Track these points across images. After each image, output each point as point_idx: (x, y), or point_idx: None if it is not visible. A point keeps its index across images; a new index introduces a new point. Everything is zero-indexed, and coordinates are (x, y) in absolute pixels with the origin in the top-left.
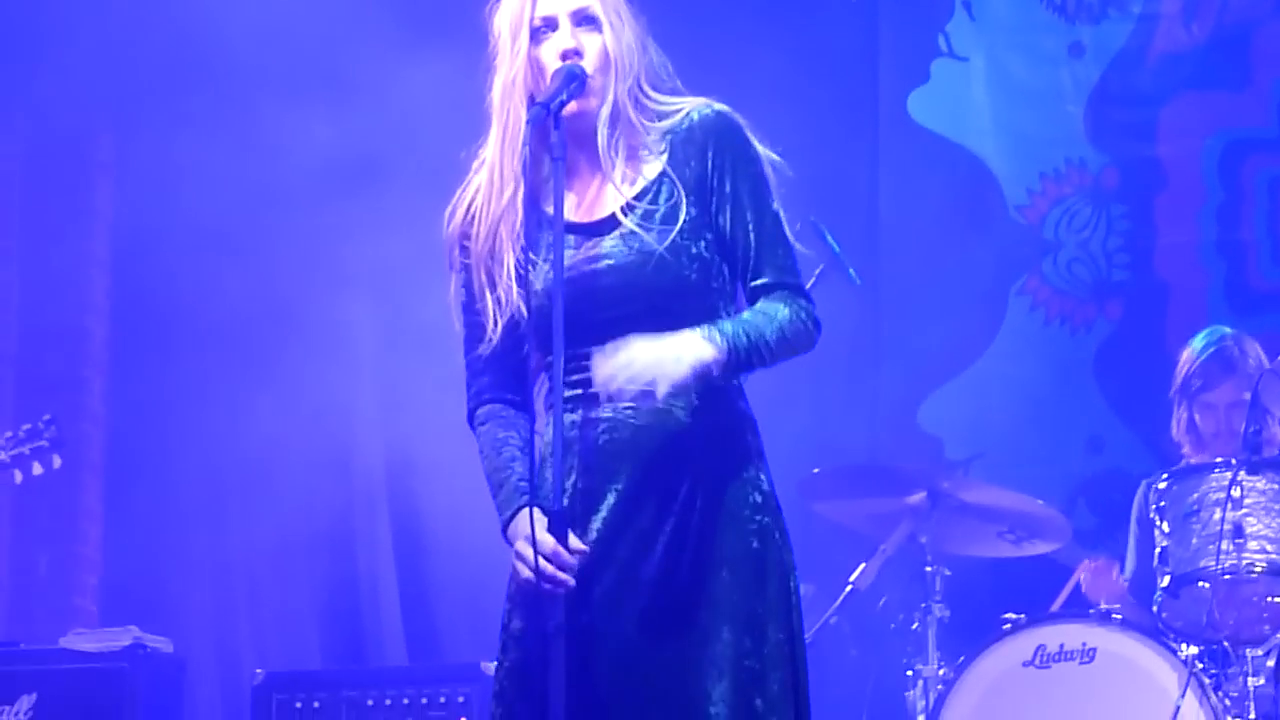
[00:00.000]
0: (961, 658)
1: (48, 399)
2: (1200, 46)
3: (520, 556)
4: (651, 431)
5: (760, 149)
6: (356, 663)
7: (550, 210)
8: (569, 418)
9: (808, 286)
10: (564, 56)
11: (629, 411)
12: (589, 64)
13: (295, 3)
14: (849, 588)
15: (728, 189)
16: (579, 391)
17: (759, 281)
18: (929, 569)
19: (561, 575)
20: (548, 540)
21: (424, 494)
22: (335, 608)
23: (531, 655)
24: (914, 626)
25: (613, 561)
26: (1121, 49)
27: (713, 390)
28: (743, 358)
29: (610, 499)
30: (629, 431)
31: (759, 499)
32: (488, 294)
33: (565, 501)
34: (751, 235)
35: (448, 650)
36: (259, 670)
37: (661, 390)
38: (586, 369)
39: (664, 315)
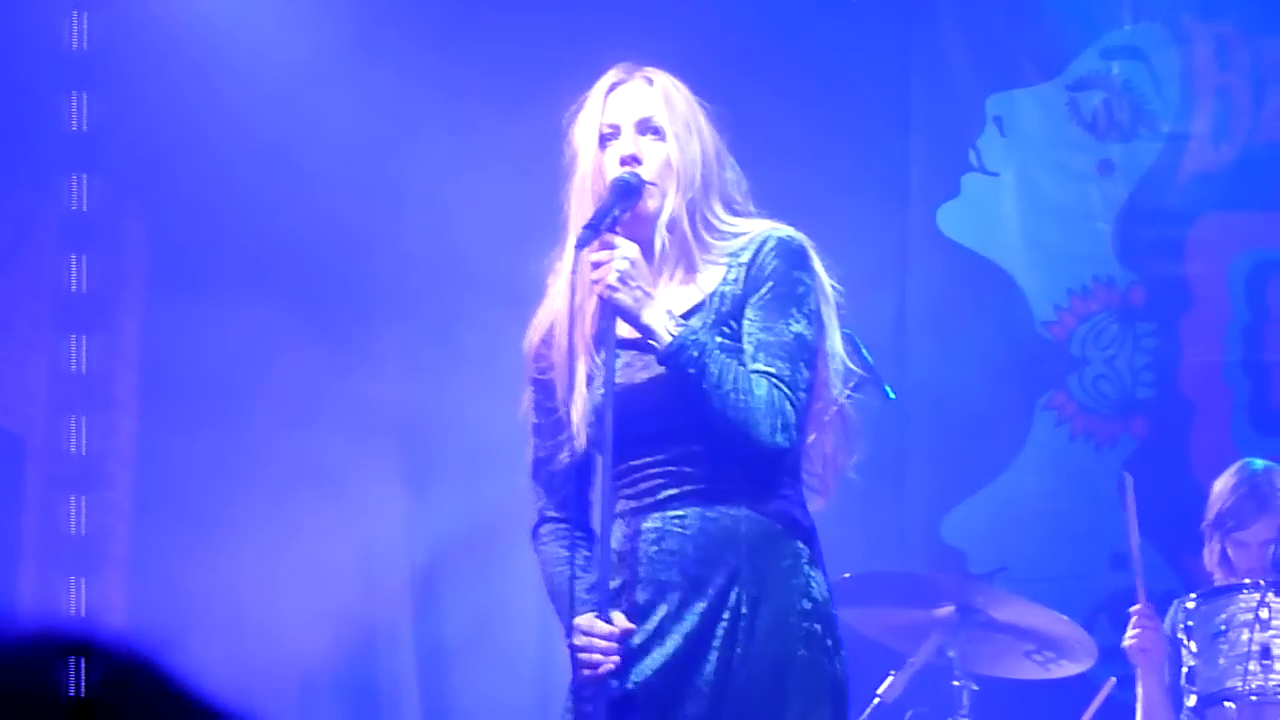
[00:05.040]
0: None
1: (73, 493)
2: (1229, 166)
3: (571, 649)
4: (699, 540)
5: (814, 275)
6: None
7: (601, 323)
8: (621, 528)
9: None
10: (623, 163)
11: (677, 521)
12: (648, 172)
13: (325, 105)
14: (876, 700)
15: (754, 299)
16: (631, 504)
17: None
18: (956, 683)
19: (597, 656)
20: (585, 623)
21: (449, 605)
22: (355, 705)
23: None
24: None
25: (664, 671)
26: (1151, 167)
27: (764, 497)
28: (681, 369)
29: (662, 609)
30: (677, 541)
31: (808, 605)
32: (562, 408)
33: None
34: (753, 341)
35: None
36: None
37: (609, 295)
38: (637, 481)
39: (710, 429)
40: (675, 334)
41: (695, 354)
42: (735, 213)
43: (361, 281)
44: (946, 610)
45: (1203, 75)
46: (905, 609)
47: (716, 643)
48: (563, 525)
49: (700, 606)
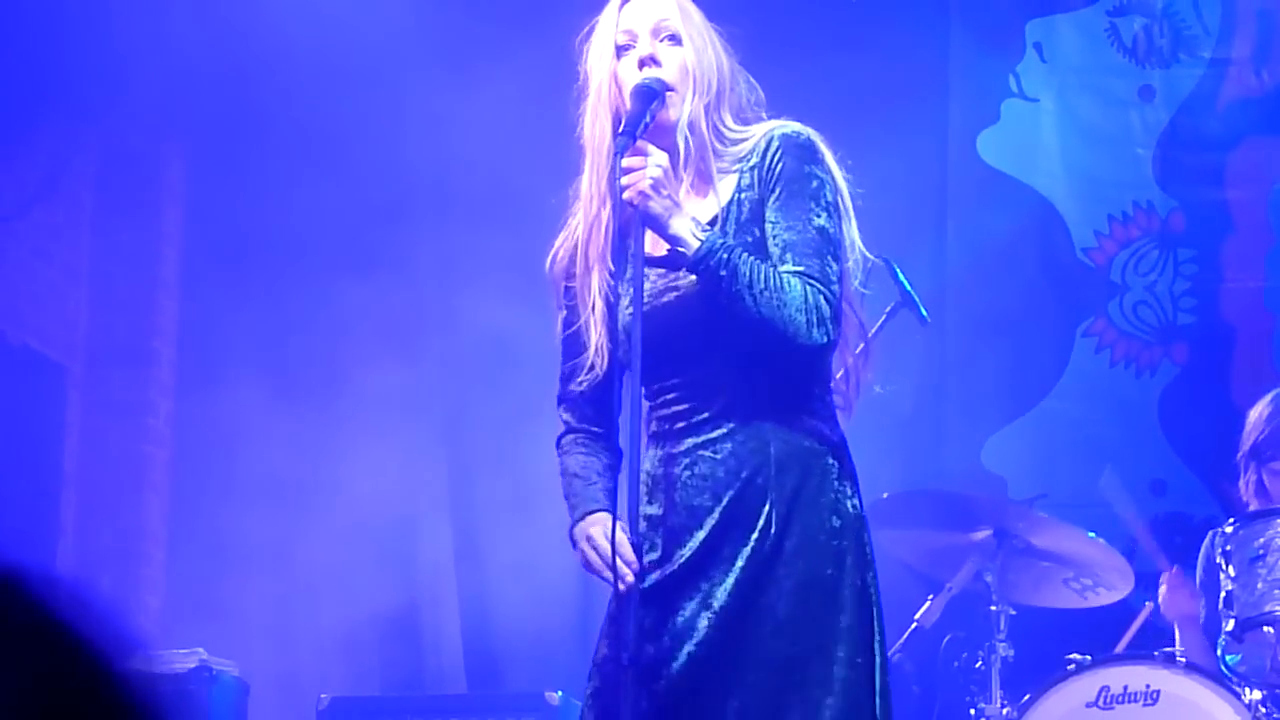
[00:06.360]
0: (1025, 697)
1: (114, 420)
2: (1270, 92)
3: (587, 546)
4: (730, 464)
5: (826, 167)
6: (415, 689)
7: (631, 242)
8: (654, 453)
9: (873, 329)
10: (641, 64)
11: (709, 445)
12: (667, 76)
13: (367, 32)
14: (913, 625)
15: (771, 201)
16: (663, 427)
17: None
18: (994, 608)
19: (623, 569)
20: (620, 541)
21: (487, 523)
22: (396, 634)
23: (609, 682)
24: (978, 665)
25: (695, 592)
26: (1191, 93)
27: (792, 414)
28: (713, 273)
29: (697, 534)
30: (709, 465)
31: (838, 523)
32: (593, 327)
33: (651, 537)
34: (779, 243)
35: (508, 679)
36: (324, 695)
37: (642, 202)
38: (668, 404)
39: (739, 344)
40: (702, 238)
41: (725, 256)
42: (744, 121)
43: (400, 215)
44: (984, 534)
45: (1243, 0)
46: (942, 532)
47: (746, 564)
48: (586, 436)
49: (732, 530)
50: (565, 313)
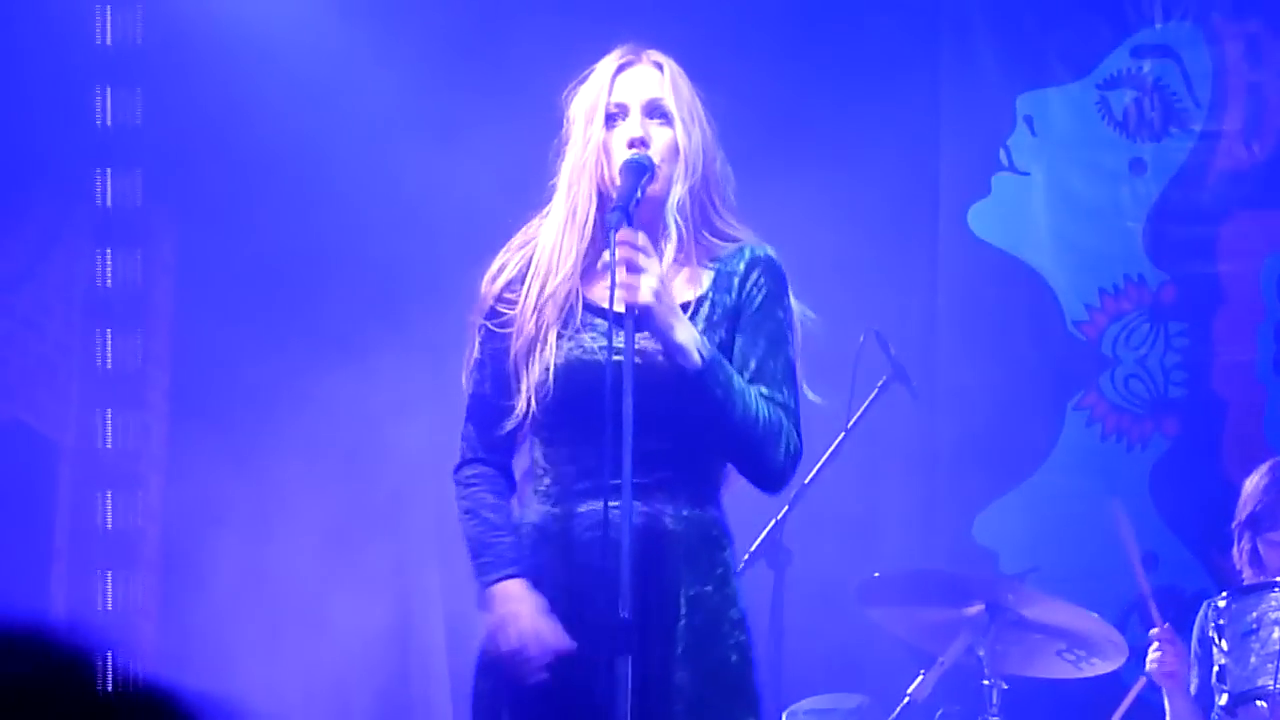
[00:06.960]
0: None
1: (105, 495)
2: (1261, 165)
3: (503, 624)
4: (637, 533)
5: (793, 301)
6: None
7: (592, 295)
8: (544, 509)
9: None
10: (630, 144)
11: (617, 510)
12: (654, 155)
13: (353, 103)
14: (906, 699)
15: (748, 315)
16: (561, 486)
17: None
18: (986, 682)
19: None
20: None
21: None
22: (387, 695)
23: None
24: None
25: (589, 659)
26: (1182, 166)
27: (704, 504)
28: (710, 389)
29: (592, 599)
30: (615, 530)
31: (736, 615)
32: (523, 366)
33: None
34: (754, 362)
35: None
36: None
37: (650, 307)
38: (576, 461)
39: (674, 420)
40: (706, 354)
41: (723, 376)
42: (730, 209)
43: (390, 280)
44: (976, 609)
45: (1234, 74)
46: (934, 608)
47: (652, 639)
48: (489, 469)
49: (634, 602)
50: (488, 335)
